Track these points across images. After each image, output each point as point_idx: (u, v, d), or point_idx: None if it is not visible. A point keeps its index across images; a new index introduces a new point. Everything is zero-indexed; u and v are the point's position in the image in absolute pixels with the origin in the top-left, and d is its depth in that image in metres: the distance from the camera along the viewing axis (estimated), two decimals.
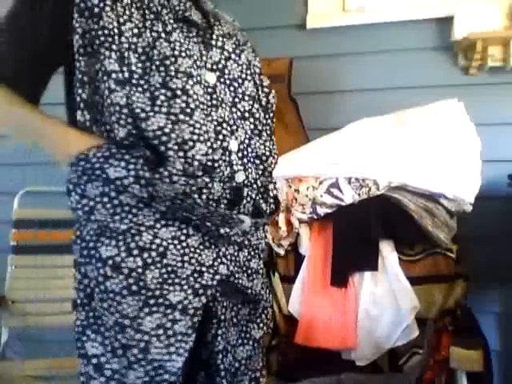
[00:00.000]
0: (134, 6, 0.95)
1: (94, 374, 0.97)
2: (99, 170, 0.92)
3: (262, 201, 1.06)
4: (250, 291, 1.11)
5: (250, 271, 1.12)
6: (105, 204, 0.93)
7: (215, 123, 0.97)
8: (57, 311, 2.05)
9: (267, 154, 1.08)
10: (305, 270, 1.76)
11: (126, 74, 0.91)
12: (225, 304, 1.09)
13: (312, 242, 1.76)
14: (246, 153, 1.02)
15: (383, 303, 1.66)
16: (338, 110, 2.07)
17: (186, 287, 0.97)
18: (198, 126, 0.93)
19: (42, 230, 2.07)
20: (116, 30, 0.91)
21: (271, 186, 1.09)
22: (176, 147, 0.91)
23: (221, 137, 0.97)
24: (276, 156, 1.13)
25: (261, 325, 1.17)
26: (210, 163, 0.94)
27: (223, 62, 1.02)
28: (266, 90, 1.13)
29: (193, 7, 1.02)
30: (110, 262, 0.93)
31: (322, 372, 1.58)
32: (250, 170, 1.02)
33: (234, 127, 1.01)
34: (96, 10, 0.91)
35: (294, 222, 1.72)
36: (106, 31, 0.90)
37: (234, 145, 0.99)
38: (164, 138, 0.90)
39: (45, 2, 0.95)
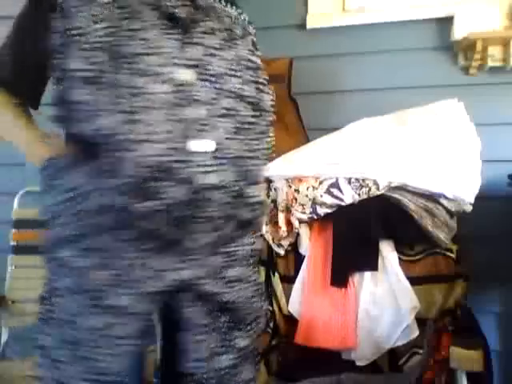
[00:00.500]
0: (114, 4, 0.95)
1: (45, 365, 1.02)
2: (60, 179, 0.98)
3: (241, 205, 1.01)
4: (220, 298, 1.06)
5: (226, 279, 1.07)
6: (65, 210, 0.98)
7: (181, 123, 0.94)
8: None
9: (249, 155, 1.02)
10: (305, 270, 1.76)
11: (91, 73, 0.92)
12: (198, 309, 1.06)
13: (312, 242, 1.76)
14: (221, 153, 0.97)
15: (383, 303, 1.66)
16: (338, 109, 2.07)
17: (132, 291, 0.97)
18: (154, 125, 0.91)
19: (41, 230, 2.07)
20: (88, 29, 0.93)
21: (251, 190, 1.03)
22: (128, 145, 0.91)
23: (186, 136, 0.94)
24: (265, 157, 1.07)
25: (248, 333, 1.11)
26: (166, 164, 0.92)
27: (206, 58, 0.98)
28: (260, 86, 1.08)
29: (181, 2, 1.00)
30: (62, 261, 0.99)
31: (322, 372, 1.58)
32: (224, 172, 0.97)
33: (208, 127, 0.96)
34: (72, 10, 0.95)
35: (294, 222, 1.72)
36: (78, 31, 0.93)
37: (207, 145, 0.95)
38: (118, 137, 0.91)
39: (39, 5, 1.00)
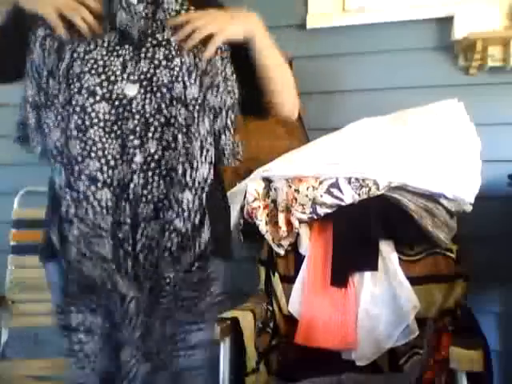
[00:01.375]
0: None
1: None
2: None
3: (176, 218, 1.00)
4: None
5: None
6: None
7: (121, 138, 0.98)
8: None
9: (184, 166, 1.00)
10: (305, 270, 1.76)
11: (42, 98, 1.02)
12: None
13: (312, 242, 1.76)
14: (154, 165, 0.99)
15: (383, 303, 1.66)
16: (338, 110, 2.07)
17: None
18: (90, 142, 0.97)
19: (41, 230, 2.07)
20: (40, 61, 1.02)
21: (187, 200, 1.00)
22: (66, 161, 0.98)
23: (126, 151, 0.98)
24: (207, 168, 1.03)
25: None
26: (102, 178, 0.97)
27: (152, 70, 1.00)
28: (214, 90, 1.05)
29: (138, 17, 1.03)
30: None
31: (322, 372, 1.58)
32: (154, 184, 0.99)
33: (144, 139, 0.98)
34: (31, 45, 1.03)
35: (294, 222, 1.72)
36: (33, 63, 1.03)
37: (138, 158, 0.98)
38: (56, 153, 0.99)
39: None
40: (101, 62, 0.99)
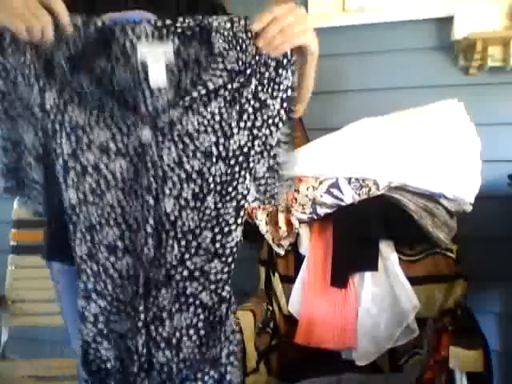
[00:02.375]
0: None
1: None
2: None
3: (201, 289, 0.90)
4: None
5: None
6: None
7: (139, 198, 0.87)
8: (57, 311, 2.05)
9: (202, 225, 0.88)
10: (305, 270, 1.76)
11: (42, 145, 0.89)
12: None
13: (312, 242, 1.76)
14: (170, 226, 0.88)
15: (383, 303, 1.66)
16: (338, 110, 2.06)
17: None
18: (108, 209, 0.87)
19: (41, 230, 2.07)
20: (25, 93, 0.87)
21: (211, 268, 0.90)
22: (84, 229, 0.88)
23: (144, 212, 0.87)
24: (233, 228, 0.91)
25: None
26: (122, 246, 0.87)
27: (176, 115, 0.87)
28: (240, 142, 0.89)
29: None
30: None
31: (322, 372, 1.58)
32: (171, 248, 0.88)
33: (161, 196, 0.86)
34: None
35: (294, 222, 1.72)
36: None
37: (151, 220, 0.87)
38: (74, 218, 0.88)
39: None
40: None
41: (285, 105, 0.91)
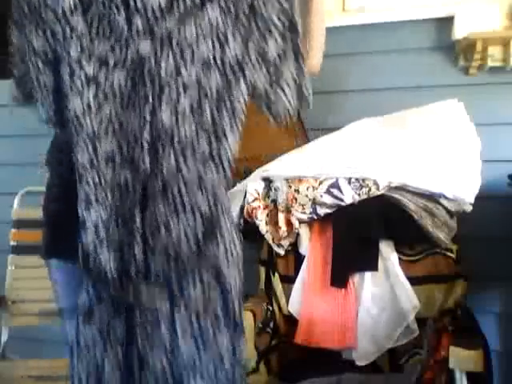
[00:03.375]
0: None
1: None
2: None
3: (197, 197, 0.93)
4: None
5: None
6: None
7: (136, 111, 0.89)
8: (56, 311, 2.05)
9: (198, 136, 0.91)
10: (305, 270, 1.76)
11: (52, 48, 0.92)
12: None
13: (312, 242, 1.76)
14: (167, 137, 0.90)
15: (383, 303, 1.66)
16: (338, 109, 2.07)
17: None
18: (106, 121, 0.89)
19: (41, 230, 2.07)
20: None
21: (207, 175, 0.93)
22: (86, 138, 0.90)
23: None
24: (229, 137, 0.93)
25: None
26: (119, 158, 0.91)
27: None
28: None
29: None
30: None
31: (322, 372, 1.58)
32: (167, 160, 0.90)
33: (158, 107, 0.89)
34: None
35: (294, 222, 1.72)
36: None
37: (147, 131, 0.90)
38: (78, 128, 0.90)
39: None
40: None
41: (281, 17, 0.91)
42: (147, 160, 0.89)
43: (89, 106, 0.89)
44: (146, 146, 0.89)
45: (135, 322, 0.94)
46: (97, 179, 0.91)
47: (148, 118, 0.89)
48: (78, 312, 0.96)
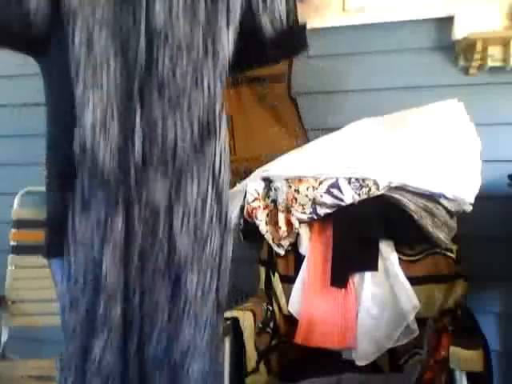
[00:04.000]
0: None
1: None
2: None
3: (193, 98, 0.97)
4: None
5: None
6: None
7: (130, 15, 0.93)
8: (57, 311, 2.05)
9: (192, 35, 0.96)
10: (305, 270, 1.76)
11: None
12: None
13: (312, 242, 1.76)
14: (161, 37, 0.94)
15: (383, 303, 1.66)
16: (338, 109, 2.06)
17: None
18: (101, 21, 0.92)
19: (41, 230, 2.07)
20: None
21: (202, 73, 0.97)
22: (82, 37, 0.92)
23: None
24: (223, 32, 0.99)
25: None
26: (115, 60, 0.93)
27: None
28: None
29: None
30: None
31: (322, 372, 1.58)
32: (162, 57, 0.94)
33: (152, 8, 0.92)
34: None
35: (294, 222, 1.72)
36: None
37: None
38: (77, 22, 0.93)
39: None
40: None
41: None
42: (142, 59, 0.91)
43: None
44: (141, 45, 0.91)
45: (134, 218, 0.95)
46: (90, 75, 0.92)
47: (142, 16, 0.91)
48: (73, 203, 0.95)
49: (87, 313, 0.96)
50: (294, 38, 1.10)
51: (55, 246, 1.06)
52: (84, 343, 0.96)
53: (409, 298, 1.63)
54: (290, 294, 1.78)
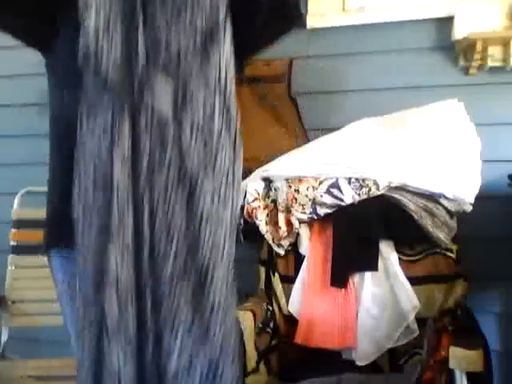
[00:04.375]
0: None
1: None
2: None
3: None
4: None
5: None
6: None
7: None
8: (57, 311, 2.05)
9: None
10: (305, 270, 1.76)
11: None
12: None
13: (312, 242, 1.76)
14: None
15: (383, 303, 1.66)
16: (338, 109, 2.07)
17: None
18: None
19: (41, 230, 2.07)
20: None
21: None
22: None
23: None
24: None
25: None
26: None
27: None
28: None
29: None
30: None
31: (322, 372, 1.58)
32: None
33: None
34: None
35: (294, 222, 1.72)
36: None
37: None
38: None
39: None
40: None
41: None
42: (141, 24, 0.92)
43: None
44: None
45: (141, 126, 0.93)
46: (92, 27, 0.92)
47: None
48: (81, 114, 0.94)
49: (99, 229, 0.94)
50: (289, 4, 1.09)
51: (55, 235, 1.06)
52: (98, 256, 0.92)
53: (409, 298, 1.63)
54: (290, 294, 1.78)
